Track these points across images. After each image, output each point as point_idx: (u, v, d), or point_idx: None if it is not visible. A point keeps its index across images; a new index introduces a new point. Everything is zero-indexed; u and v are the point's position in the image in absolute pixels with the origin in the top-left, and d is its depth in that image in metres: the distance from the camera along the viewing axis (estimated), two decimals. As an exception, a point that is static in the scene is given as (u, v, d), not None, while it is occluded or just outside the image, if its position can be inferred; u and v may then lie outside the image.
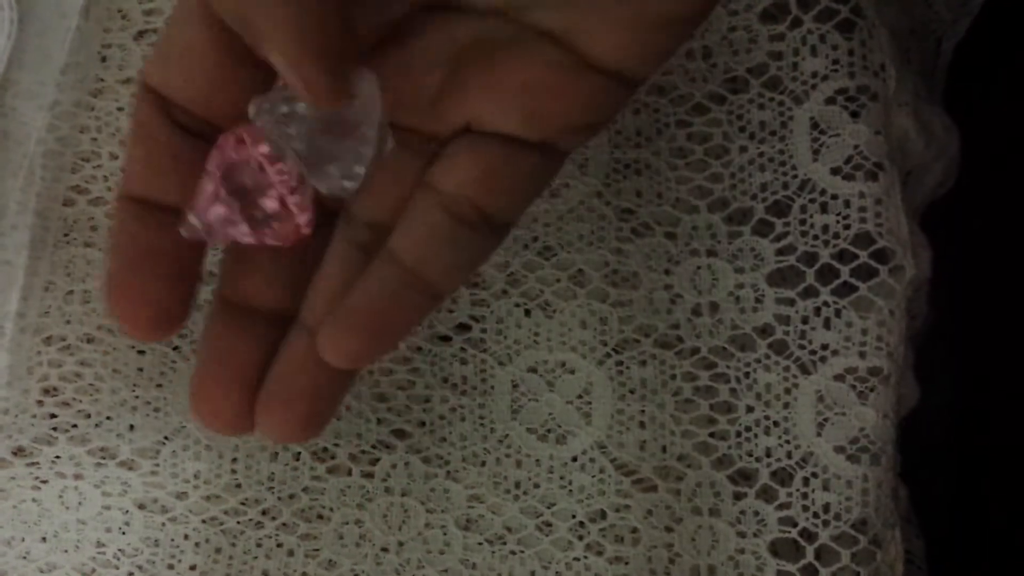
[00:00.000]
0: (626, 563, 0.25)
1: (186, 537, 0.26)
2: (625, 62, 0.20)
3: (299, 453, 0.26)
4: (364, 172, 0.20)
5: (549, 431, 0.27)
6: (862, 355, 0.25)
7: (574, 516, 0.26)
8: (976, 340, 0.36)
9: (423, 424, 0.27)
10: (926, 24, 0.33)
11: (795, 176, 0.26)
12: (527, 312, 0.27)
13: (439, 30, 0.20)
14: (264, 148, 0.20)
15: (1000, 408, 0.36)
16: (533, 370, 0.27)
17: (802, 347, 0.25)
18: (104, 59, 0.28)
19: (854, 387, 0.25)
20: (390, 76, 0.20)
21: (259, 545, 0.26)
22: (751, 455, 0.26)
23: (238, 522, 0.26)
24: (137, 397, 0.26)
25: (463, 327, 0.27)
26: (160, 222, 0.20)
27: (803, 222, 0.26)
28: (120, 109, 0.27)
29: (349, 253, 0.21)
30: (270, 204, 0.20)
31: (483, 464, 0.26)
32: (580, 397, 0.26)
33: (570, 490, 0.26)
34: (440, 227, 0.20)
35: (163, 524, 0.26)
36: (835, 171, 0.26)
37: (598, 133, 0.23)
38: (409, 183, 0.21)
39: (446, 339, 0.27)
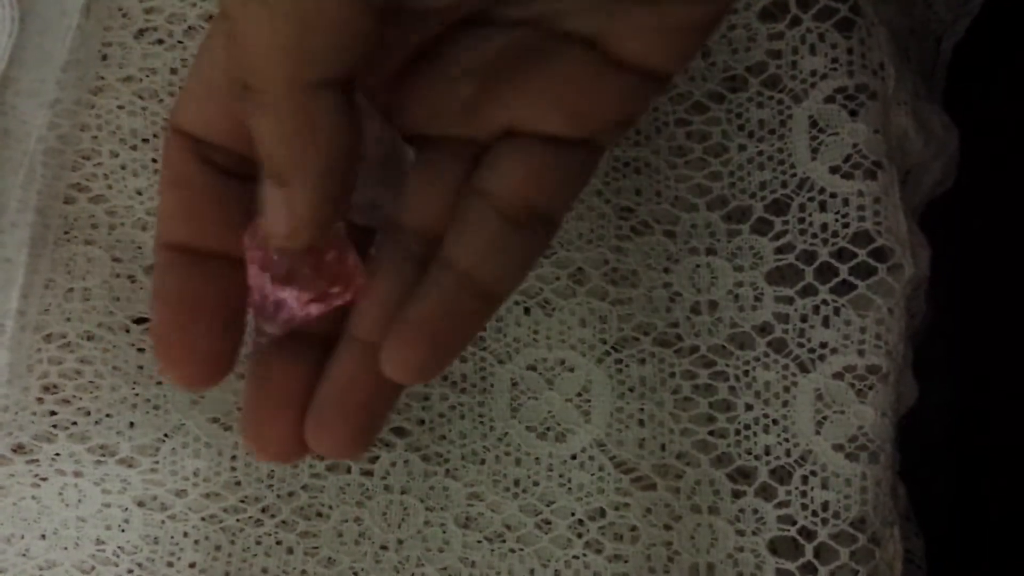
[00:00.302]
0: (625, 561, 0.25)
1: (185, 535, 0.26)
2: (653, 61, 0.20)
3: (299, 451, 0.26)
4: (398, 193, 0.20)
5: (548, 429, 0.27)
6: (861, 353, 0.25)
7: (573, 514, 0.26)
8: (975, 339, 0.36)
9: (422, 422, 0.27)
10: (926, 24, 0.33)
11: (794, 174, 0.26)
12: (526, 310, 0.27)
13: (472, 41, 0.21)
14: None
15: (999, 407, 0.36)
16: (532, 368, 0.27)
17: (801, 345, 0.25)
18: (105, 57, 0.28)
19: (853, 385, 0.25)
20: (425, 87, 0.20)
21: (258, 543, 0.26)
22: (750, 453, 0.26)
23: (237, 520, 0.26)
24: (137, 395, 0.26)
25: (462, 325, 0.27)
26: (204, 270, 0.20)
27: (802, 220, 0.26)
28: (120, 107, 0.28)
29: (400, 264, 0.21)
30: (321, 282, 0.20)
31: (482, 462, 0.26)
32: (579, 395, 0.27)
33: (569, 488, 0.26)
34: (493, 230, 0.21)
35: (163, 522, 0.26)
36: (834, 170, 0.26)
37: (633, 126, 0.24)
38: (453, 189, 0.21)
39: (445, 337, 0.27)
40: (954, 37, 0.33)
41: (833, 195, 0.26)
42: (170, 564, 0.26)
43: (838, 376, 0.25)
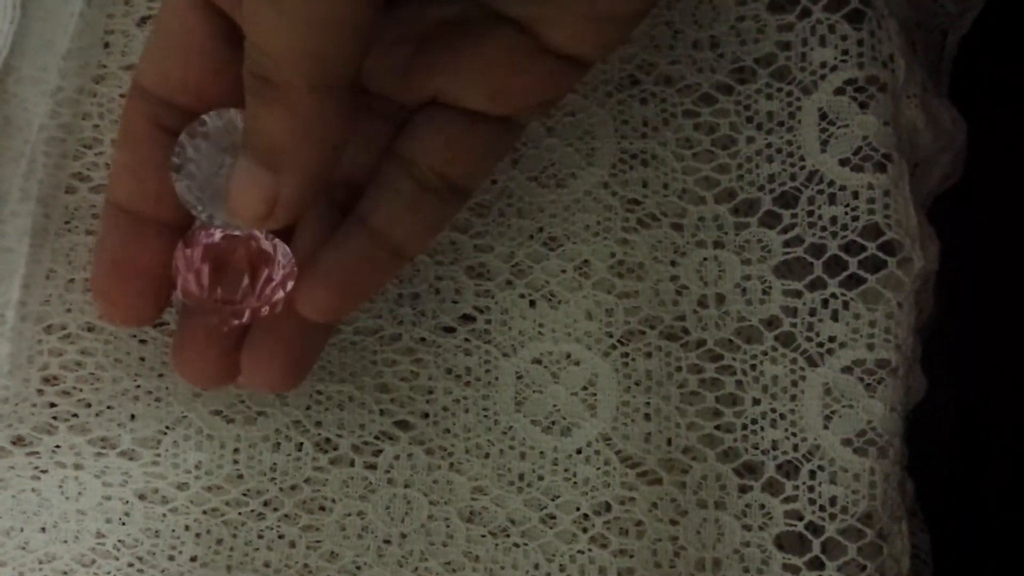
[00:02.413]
0: (631, 556, 0.25)
1: (187, 528, 0.26)
2: (580, 49, 0.22)
3: (301, 444, 0.26)
4: None
5: (553, 423, 0.26)
6: (870, 347, 0.24)
7: (578, 508, 0.26)
8: (983, 334, 0.36)
9: (427, 415, 0.26)
10: (932, 17, 0.32)
11: (803, 167, 0.26)
12: (532, 303, 0.27)
13: (413, 10, 0.22)
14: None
15: (1006, 403, 0.36)
16: (538, 361, 0.27)
17: (809, 339, 0.25)
18: (107, 45, 0.27)
19: (862, 379, 0.25)
20: None
21: (260, 536, 0.26)
22: (757, 448, 0.25)
23: (239, 513, 0.26)
24: (139, 387, 0.26)
25: (468, 318, 0.27)
26: (143, 237, 0.23)
27: (811, 213, 0.26)
28: (123, 95, 0.27)
29: (326, 211, 0.23)
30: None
31: (487, 456, 0.26)
32: (585, 389, 0.26)
33: (574, 482, 0.26)
34: (407, 195, 0.22)
35: (164, 515, 0.26)
36: (843, 162, 0.26)
37: (554, 107, 0.25)
38: (379, 148, 0.23)
39: (450, 330, 0.27)
40: (960, 31, 0.33)
41: (843, 188, 0.26)
42: (171, 558, 0.25)
43: (847, 370, 0.25)
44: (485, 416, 0.26)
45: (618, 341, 0.26)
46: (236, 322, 0.23)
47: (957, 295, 0.32)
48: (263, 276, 0.22)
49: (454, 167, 0.22)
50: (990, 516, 0.35)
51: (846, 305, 0.25)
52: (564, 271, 0.27)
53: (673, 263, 0.27)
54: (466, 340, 0.27)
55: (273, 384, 0.23)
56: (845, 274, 0.25)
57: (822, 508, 0.25)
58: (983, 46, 0.33)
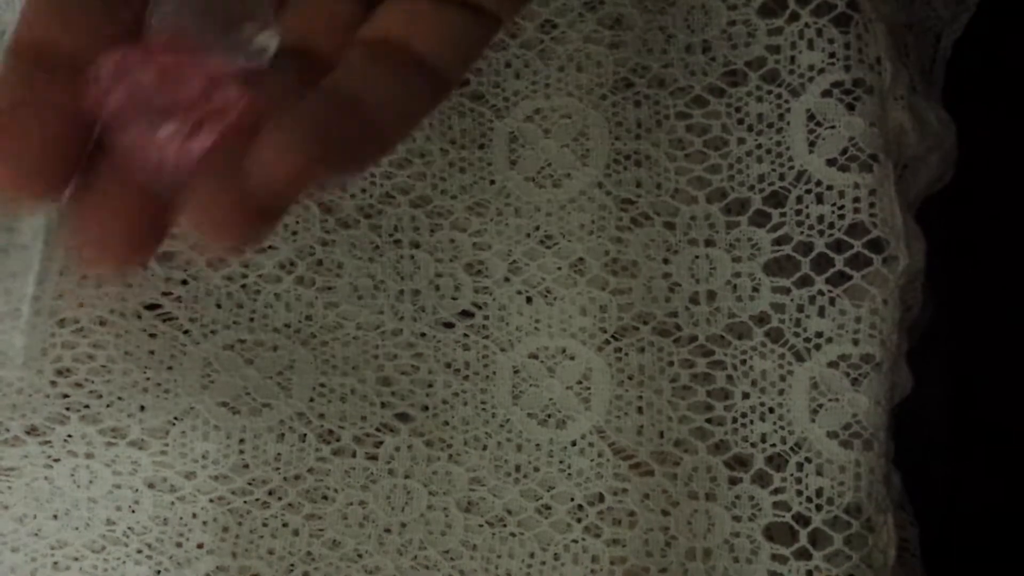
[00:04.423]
0: (623, 545, 0.26)
1: (194, 516, 0.26)
2: None
3: (305, 435, 0.27)
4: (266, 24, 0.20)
5: (549, 416, 0.27)
6: (855, 342, 0.25)
7: (573, 499, 0.26)
8: (974, 332, 0.37)
9: (426, 408, 0.27)
10: (924, 20, 0.33)
11: (791, 167, 0.27)
12: (528, 299, 0.28)
13: None
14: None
15: (995, 399, 0.36)
16: (534, 356, 0.27)
17: (797, 335, 0.26)
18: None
19: (847, 374, 0.25)
20: None
21: (265, 524, 0.27)
22: (747, 441, 0.26)
23: (244, 502, 0.27)
24: (148, 379, 0.27)
25: (466, 314, 0.28)
26: (52, 81, 0.18)
27: (799, 212, 0.27)
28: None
29: (286, 76, 0.21)
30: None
31: (484, 448, 0.27)
32: (580, 383, 0.27)
33: (569, 474, 0.27)
34: (377, 64, 0.21)
35: (172, 503, 0.26)
36: (831, 162, 0.26)
37: (527, 3, 0.24)
38: (350, 28, 0.21)
39: (449, 325, 0.28)
40: (953, 34, 0.34)
41: (830, 187, 0.26)
42: (178, 544, 0.26)
43: (833, 365, 0.25)
44: (483, 409, 0.27)
45: (612, 336, 0.27)
46: (187, 144, 0.18)
47: (948, 293, 0.33)
48: (219, 95, 0.18)
49: (421, 45, 0.21)
50: (979, 510, 0.35)
51: (832, 301, 0.26)
52: (560, 268, 0.28)
53: (666, 261, 0.27)
54: (465, 335, 0.28)
55: (219, 232, 0.19)
56: (832, 271, 0.26)
57: (809, 499, 0.25)
58: (978, 49, 0.34)
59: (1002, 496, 0.35)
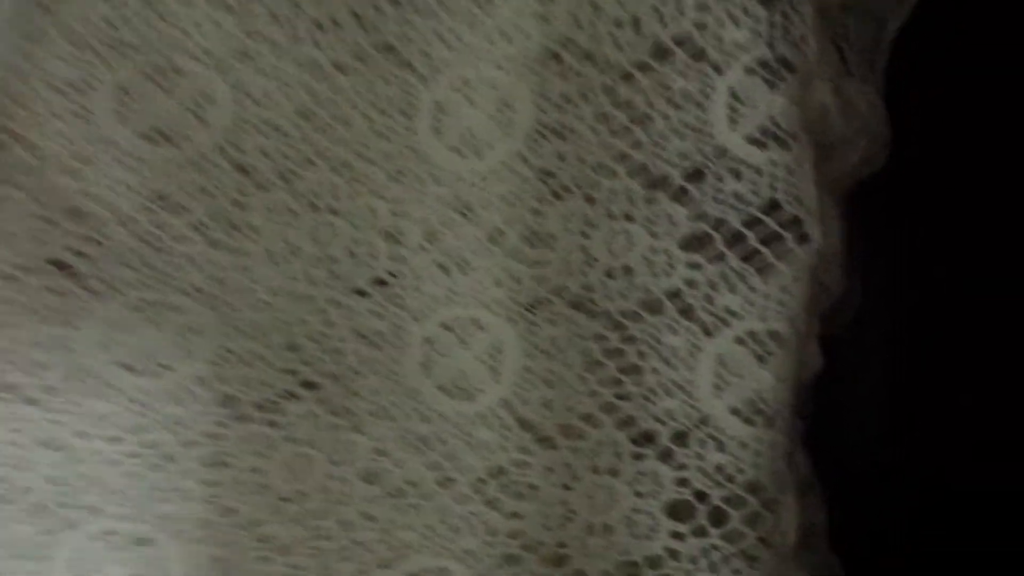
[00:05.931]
0: (522, 518, 0.26)
1: (86, 477, 0.26)
2: None
3: (204, 399, 0.26)
4: None
5: (458, 387, 0.27)
6: (763, 319, 0.25)
7: (475, 471, 0.26)
8: (915, 319, 0.37)
9: (334, 376, 0.27)
10: (867, 3, 0.33)
11: (712, 144, 0.26)
12: (444, 269, 0.27)
13: None
14: None
15: (933, 392, 0.36)
16: (446, 327, 0.27)
17: (707, 311, 0.26)
18: (43, 8, 0.28)
19: (753, 351, 0.25)
20: None
21: (158, 488, 0.26)
22: (654, 416, 0.26)
23: (137, 464, 0.26)
24: (49, 335, 0.26)
25: (380, 282, 0.27)
26: None
27: (717, 189, 0.26)
28: (58, 57, 0.28)
29: None
30: None
31: (391, 419, 0.26)
32: (490, 355, 0.27)
33: (473, 446, 0.26)
34: None
35: (64, 462, 0.26)
36: (750, 140, 0.26)
37: None
38: None
39: (363, 293, 0.27)
40: (898, 19, 0.33)
41: (748, 165, 0.26)
42: (69, 505, 0.26)
43: (740, 341, 0.25)
44: (392, 379, 0.27)
45: (525, 309, 0.27)
46: None
47: (887, 280, 0.33)
48: None
49: None
50: (914, 500, 0.35)
51: (743, 278, 0.25)
52: (477, 238, 0.27)
53: (584, 234, 0.27)
54: (379, 304, 0.27)
55: None
56: (745, 248, 0.26)
57: (709, 476, 0.25)
58: (923, 33, 0.33)
59: (939, 484, 0.34)
